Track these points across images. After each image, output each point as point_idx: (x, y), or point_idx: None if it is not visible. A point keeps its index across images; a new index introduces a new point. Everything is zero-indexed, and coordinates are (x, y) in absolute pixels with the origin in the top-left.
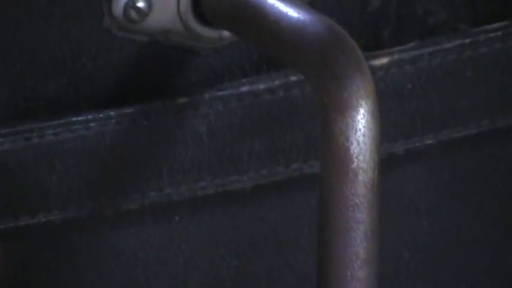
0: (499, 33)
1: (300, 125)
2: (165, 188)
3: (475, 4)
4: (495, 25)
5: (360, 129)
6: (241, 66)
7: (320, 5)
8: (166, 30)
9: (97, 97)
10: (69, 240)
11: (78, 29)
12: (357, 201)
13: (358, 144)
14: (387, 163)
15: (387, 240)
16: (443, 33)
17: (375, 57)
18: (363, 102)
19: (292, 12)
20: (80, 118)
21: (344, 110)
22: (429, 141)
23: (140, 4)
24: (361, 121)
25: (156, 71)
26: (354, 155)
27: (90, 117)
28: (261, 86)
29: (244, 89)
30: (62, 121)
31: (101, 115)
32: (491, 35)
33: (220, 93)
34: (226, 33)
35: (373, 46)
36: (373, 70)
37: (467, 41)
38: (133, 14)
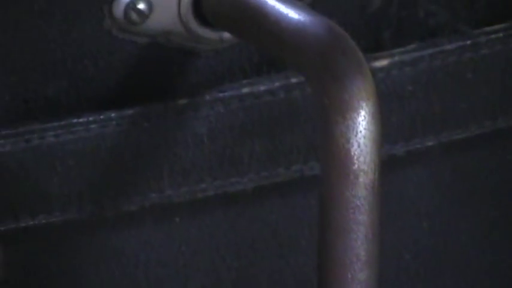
0: (500, 34)
1: (300, 126)
2: (165, 190)
3: (475, 6)
4: (496, 27)
5: (360, 131)
6: (242, 67)
7: (320, 7)
8: (167, 31)
9: (98, 99)
10: (70, 241)
11: (78, 30)
12: (358, 203)
13: (358, 146)
14: (388, 165)
15: (388, 242)
16: (444, 35)
17: (375, 58)
18: (364, 104)
19: (292, 14)
20: (80, 120)
21: (345, 111)
22: (430, 143)
23: (141, 6)
24: (362, 123)
25: (157, 73)
26: (355, 157)
27: (90, 118)
28: (262, 88)
29: (245, 90)
30: (62, 123)
31: (101, 117)
32: (492, 36)
33: (221, 94)
34: (226, 35)
35: (373, 48)
36: (374, 72)
37: (468, 42)
38: (134, 16)
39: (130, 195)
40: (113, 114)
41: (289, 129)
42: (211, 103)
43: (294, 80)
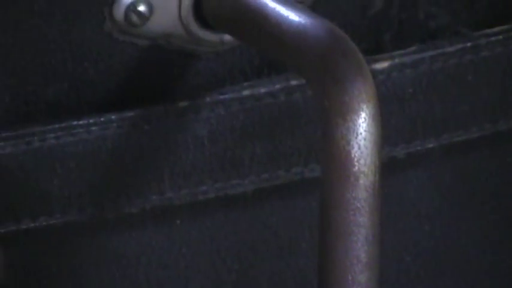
0: (500, 37)
1: (301, 128)
2: (166, 192)
3: (476, 8)
4: (496, 29)
5: (361, 133)
6: (243, 70)
7: (321, 9)
8: (167, 34)
9: (98, 101)
10: (71, 243)
11: (79, 32)
12: (358, 205)
13: (359, 148)
14: (388, 167)
15: (388, 244)
16: (444, 37)
17: (376, 61)
18: (364, 106)
19: (293, 16)
20: (81, 122)
21: (345, 113)
22: (430, 145)
23: (141, 8)
24: (362, 125)
25: (157, 75)
26: (355, 159)
27: (91, 121)
28: (262, 90)
29: (246, 92)
30: (63, 125)
31: (102, 119)
32: (493, 38)
33: (221, 97)
34: (227, 37)
35: (374, 50)
36: (374, 74)
37: (469, 44)
38: (134, 18)
39: (131, 198)
40: (113, 117)
41: (290, 132)
42: (211, 105)
43: (294, 82)
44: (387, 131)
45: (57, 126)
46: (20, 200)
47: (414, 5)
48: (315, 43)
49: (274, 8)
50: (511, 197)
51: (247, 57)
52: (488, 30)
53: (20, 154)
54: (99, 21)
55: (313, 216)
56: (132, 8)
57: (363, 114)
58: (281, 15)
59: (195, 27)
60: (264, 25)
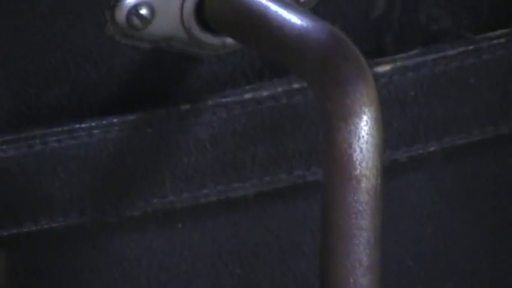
0: (502, 40)
1: (302, 132)
2: (168, 195)
3: (478, 11)
4: (498, 32)
5: (362, 136)
6: (244, 73)
7: (323, 12)
8: (169, 37)
9: (100, 104)
10: (72, 247)
11: (81, 36)
12: (360, 208)
13: (361, 151)
14: (390, 170)
15: (390, 247)
16: (446, 40)
17: (377, 64)
18: (366, 109)
19: (295, 19)
20: (83, 125)
21: (347, 117)
22: (432, 149)
23: (143, 11)
24: (364, 128)
25: (159, 78)
26: (357, 162)
27: (93, 124)
28: (264, 93)
29: (248, 96)
30: (64, 128)
31: (104, 122)
32: (495, 42)
33: (223, 100)
34: (229, 40)
35: (375, 53)
36: (376, 77)
37: (471, 48)
38: (136, 21)
39: (133, 201)
40: (115, 120)
41: (292, 135)
42: (213, 108)
43: (296, 86)
44: (389, 134)
45: (59, 129)
46: (22, 203)
47: (416, 8)
48: (317, 46)
49: (276, 11)
50: None
51: (249, 61)
52: (490, 34)
53: (21, 157)
54: (100, 24)
55: (315, 219)
56: (134, 11)
57: (365, 118)
58: (283, 18)
59: (197, 31)
60: (266, 28)
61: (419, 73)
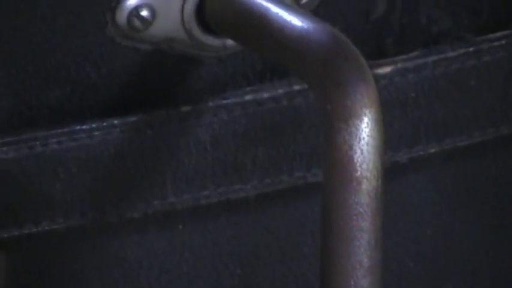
0: (503, 41)
1: (303, 133)
2: (168, 197)
3: (478, 12)
4: (499, 34)
5: (363, 138)
6: (245, 74)
7: (323, 13)
8: (170, 38)
9: (101, 106)
10: (73, 248)
11: (81, 37)
12: (361, 209)
13: (361, 153)
14: (391, 172)
15: (390, 248)
16: (446, 42)
17: (378, 65)
18: (367, 111)
19: (295, 21)
20: (83, 127)
21: (348, 118)
22: (433, 150)
23: (144, 13)
24: (365, 130)
25: (160, 80)
26: (358, 164)
27: (93, 125)
28: (265, 95)
29: (248, 97)
30: (65, 130)
31: (104, 124)
32: (495, 43)
33: (224, 101)
34: (230, 42)
35: (376, 54)
36: (377, 79)
37: (471, 49)
38: (137, 23)
39: (133, 202)
40: (116, 121)
41: (292, 136)
42: (214, 110)
43: (297, 87)
44: (390, 136)
45: (59, 131)
46: (22, 204)
47: (416, 10)
48: (317, 48)
49: (277, 13)
50: None
51: (249, 62)
52: (490, 35)
53: (22, 159)
54: (101, 26)
55: (316, 221)
56: (134, 12)
57: (366, 119)
58: (283, 20)
59: (197, 32)
60: (267, 30)
61: (420, 75)
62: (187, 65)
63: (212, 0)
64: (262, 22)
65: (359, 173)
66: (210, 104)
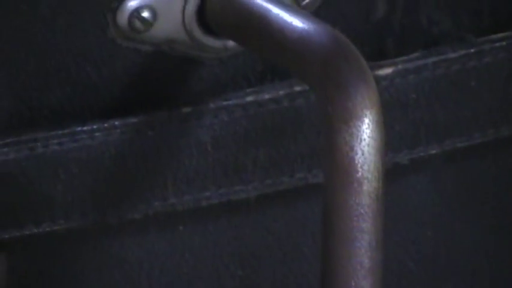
0: (504, 43)
1: (304, 134)
2: (169, 198)
3: (479, 13)
4: (500, 35)
5: (364, 139)
6: (246, 76)
7: (324, 15)
8: (171, 40)
9: (101, 107)
10: (74, 249)
11: (82, 38)
12: (361, 211)
13: (362, 154)
14: (391, 173)
15: (391, 249)
16: (447, 43)
17: (379, 67)
18: (368, 112)
19: (296, 22)
20: (84, 128)
21: (348, 119)
22: (433, 151)
23: (145, 14)
24: (366, 131)
25: (161, 81)
26: (359, 165)
27: (94, 127)
28: (266, 96)
29: (249, 98)
30: (66, 131)
31: (105, 125)
32: (496, 44)
33: (224, 103)
34: (230, 43)
35: (377, 56)
36: (377, 80)
37: (472, 50)
38: (138, 24)
39: (134, 203)
40: (116, 122)
41: (293, 137)
42: (215, 111)
43: (297, 88)
44: (390, 137)
45: (60, 132)
46: (23, 205)
47: (417, 11)
48: (318, 49)
49: (278, 14)
50: None
51: (250, 63)
52: (491, 36)
53: (23, 160)
54: (102, 27)
55: (317, 222)
56: (135, 14)
57: (366, 120)
58: (284, 21)
59: (198, 34)
60: (267, 31)
61: (421, 76)
62: (188, 66)
63: (213, 2)
64: (263, 23)
65: (360, 174)
66: (211, 105)
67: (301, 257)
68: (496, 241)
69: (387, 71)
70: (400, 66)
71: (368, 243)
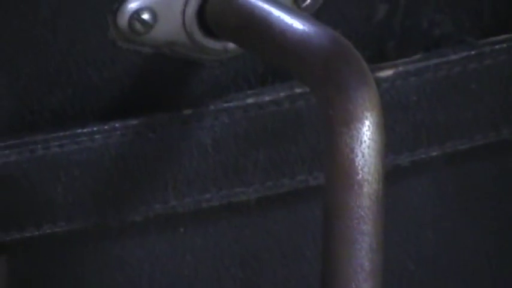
0: (504, 45)
1: (305, 136)
2: (170, 200)
3: (480, 16)
4: (500, 37)
5: (365, 141)
6: (247, 78)
7: (325, 17)
8: (171, 42)
9: (102, 109)
10: (75, 251)
11: (83, 40)
12: (362, 213)
13: (363, 156)
14: (392, 175)
15: (392, 252)
16: (448, 45)
17: (380, 69)
18: (368, 114)
19: (297, 24)
20: (85, 130)
21: (349, 122)
22: (434, 153)
23: (145, 16)
24: (366, 133)
25: (161, 83)
26: (359, 167)
27: (95, 129)
28: (266, 98)
29: (250, 100)
30: (67, 133)
31: (106, 127)
32: (497, 47)
33: (225, 105)
34: (231, 45)
35: (378, 58)
36: (378, 82)
37: (473, 53)
38: (138, 26)
39: (135, 205)
40: (117, 124)
41: (294, 140)
42: (215, 113)
43: (298, 90)
44: (391, 139)
45: (61, 134)
46: (24, 208)
47: (418, 13)
48: (319, 51)
49: (278, 16)
50: None
51: (251, 65)
52: (492, 39)
53: (24, 162)
54: (103, 29)
55: (317, 224)
56: (136, 16)
57: (367, 123)
58: (285, 24)
59: (198, 36)
60: (268, 33)
61: (422, 78)
62: (188, 68)
63: (213, 4)
64: (263, 25)
65: (360, 176)
66: (212, 107)
67: (302, 259)
68: (497, 243)
69: (388, 73)
70: (401, 68)
71: (368, 245)
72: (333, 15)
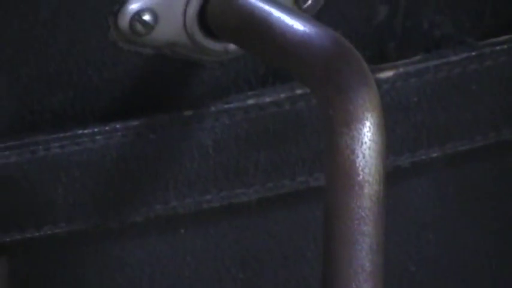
0: (505, 46)
1: (305, 137)
2: (170, 201)
3: (480, 17)
4: (501, 38)
5: (365, 142)
6: (247, 79)
7: (325, 18)
8: (172, 43)
9: (103, 110)
10: (75, 252)
11: (84, 41)
12: (363, 214)
13: (363, 157)
14: (393, 176)
15: (393, 253)
16: (448, 46)
17: (380, 70)
18: (369, 115)
19: (297, 25)
20: (85, 131)
21: (350, 123)
22: (435, 154)
23: (146, 17)
24: (367, 134)
25: (162, 84)
26: (360, 168)
27: (96, 130)
28: (267, 99)
29: (250, 102)
30: (67, 134)
31: (106, 128)
32: (497, 48)
33: (226, 106)
34: (232, 46)
35: (378, 59)
36: (379, 83)
37: (473, 54)
38: (139, 27)
39: (136, 207)
40: (118, 126)
41: (295, 141)
42: (216, 114)
43: (299, 92)
44: (392, 140)
45: (61, 135)
46: (25, 209)
47: (418, 14)
48: (319, 52)
49: (279, 17)
50: None
51: (251, 67)
52: (492, 40)
53: (24, 163)
54: (103, 30)
55: (318, 225)
56: (137, 17)
57: (368, 124)
58: (285, 24)
59: (199, 37)
60: (269, 34)
61: (422, 79)
62: (189, 69)
63: (214, 5)
64: (264, 26)
65: (361, 177)
66: (212, 108)
67: (303, 260)
68: (497, 243)
69: (388, 74)
70: (401, 70)
71: (369, 246)
72: (333, 16)
